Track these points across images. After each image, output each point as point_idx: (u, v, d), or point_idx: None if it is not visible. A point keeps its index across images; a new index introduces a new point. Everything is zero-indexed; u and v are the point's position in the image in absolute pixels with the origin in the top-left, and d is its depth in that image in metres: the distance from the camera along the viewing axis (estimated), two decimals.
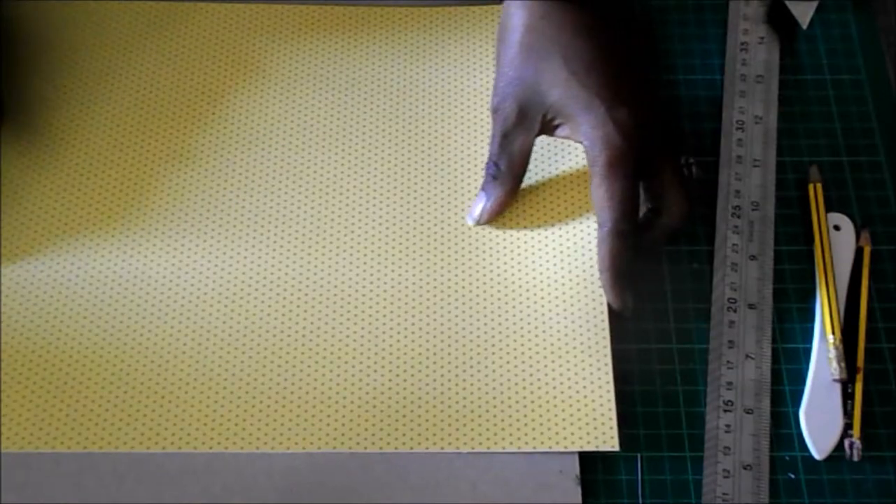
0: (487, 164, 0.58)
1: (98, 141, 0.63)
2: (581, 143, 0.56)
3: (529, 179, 0.61)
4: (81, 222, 0.60)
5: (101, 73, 0.66)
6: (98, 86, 0.65)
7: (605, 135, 0.54)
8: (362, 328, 0.57)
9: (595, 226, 0.59)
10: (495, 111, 0.57)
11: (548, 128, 0.57)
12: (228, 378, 0.55)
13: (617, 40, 0.56)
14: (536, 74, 0.55)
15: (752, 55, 0.67)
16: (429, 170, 0.62)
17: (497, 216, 0.59)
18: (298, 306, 0.57)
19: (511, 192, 0.59)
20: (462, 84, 0.66)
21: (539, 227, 0.60)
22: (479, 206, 0.59)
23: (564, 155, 0.63)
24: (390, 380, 0.55)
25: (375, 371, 0.56)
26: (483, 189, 0.59)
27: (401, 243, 0.60)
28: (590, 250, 0.59)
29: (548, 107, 0.56)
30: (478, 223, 0.60)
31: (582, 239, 0.60)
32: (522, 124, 0.56)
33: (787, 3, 0.69)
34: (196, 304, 0.58)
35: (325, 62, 0.67)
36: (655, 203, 0.57)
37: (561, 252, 0.59)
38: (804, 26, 0.69)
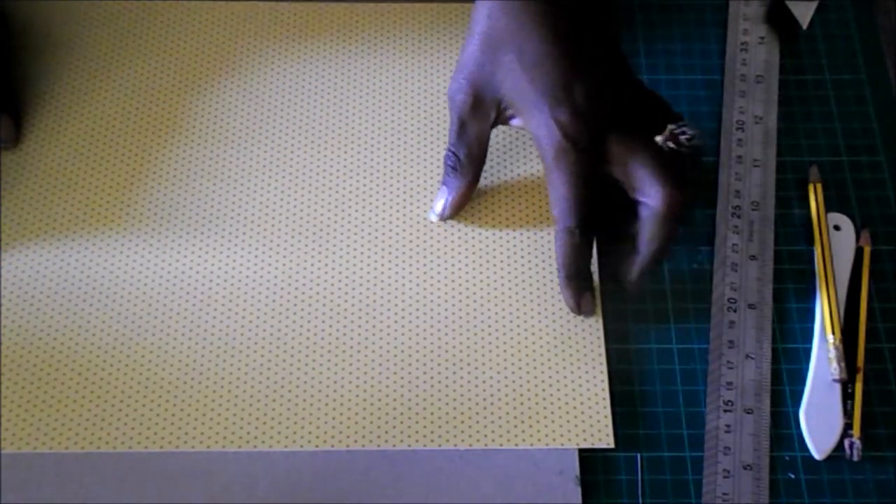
0: (446, 154, 0.58)
1: (91, 138, 0.63)
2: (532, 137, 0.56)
3: (526, 179, 0.61)
4: (79, 222, 0.60)
5: (95, 70, 0.65)
6: (91, 82, 0.65)
7: (548, 134, 0.54)
8: (362, 327, 0.57)
9: None
10: (451, 99, 0.57)
11: (502, 117, 0.57)
12: (228, 378, 0.55)
13: (579, 30, 0.55)
14: (492, 65, 0.55)
15: (752, 55, 0.67)
16: (429, 169, 0.62)
17: (460, 210, 0.59)
18: (298, 305, 0.58)
19: (471, 183, 0.59)
20: None
21: (535, 227, 0.60)
22: (441, 201, 0.59)
23: None
24: (389, 378, 0.55)
25: (374, 369, 0.56)
26: (444, 183, 0.59)
27: (399, 243, 0.60)
28: None
29: (500, 97, 0.56)
30: (442, 218, 0.59)
31: None
32: (477, 113, 0.57)
33: (787, 3, 0.69)
34: (196, 304, 0.58)
35: (319, 60, 0.67)
36: (635, 194, 0.55)
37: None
38: (804, 26, 0.69)
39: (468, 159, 0.58)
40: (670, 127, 0.54)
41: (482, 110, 0.57)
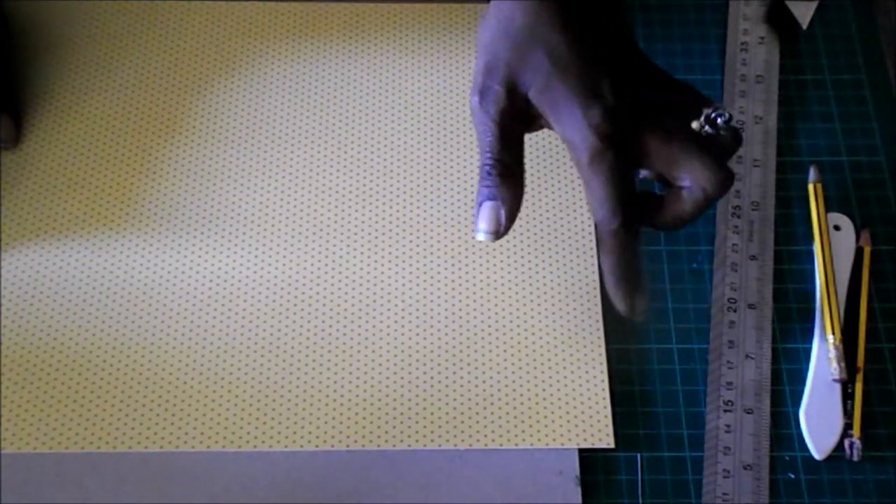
0: (489, 164, 0.52)
1: (91, 138, 0.63)
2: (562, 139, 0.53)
3: (526, 183, 0.61)
4: (79, 222, 0.60)
5: (95, 70, 0.65)
6: (91, 82, 0.65)
7: (583, 138, 0.51)
8: (362, 327, 0.57)
9: (589, 228, 0.60)
10: (484, 106, 0.52)
11: (535, 124, 0.54)
12: (228, 378, 0.55)
13: (598, 26, 0.53)
14: (519, 66, 0.52)
15: (752, 55, 0.67)
16: (429, 168, 0.62)
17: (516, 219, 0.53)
18: (298, 305, 0.58)
19: (523, 187, 0.52)
20: (459, 82, 0.66)
21: (534, 227, 0.60)
22: (492, 214, 0.52)
23: (557, 156, 0.63)
24: (389, 378, 0.55)
25: (374, 370, 0.56)
26: (489, 197, 0.52)
27: (399, 243, 0.60)
28: (584, 251, 0.59)
29: (530, 99, 0.53)
30: (499, 235, 0.52)
31: (577, 240, 0.60)
32: (515, 114, 0.53)
33: (787, 3, 0.69)
34: (196, 304, 0.58)
35: (319, 60, 0.67)
36: (676, 183, 0.53)
37: (557, 253, 0.59)
38: (804, 26, 0.69)
39: (517, 163, 0.53)
40: (706, 111, 0.53)
41: (518, 111, 0.53)
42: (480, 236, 0.52)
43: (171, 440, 0.53)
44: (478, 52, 0.54)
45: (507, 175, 0.52)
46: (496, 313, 0.58)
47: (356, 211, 0.61)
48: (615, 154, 0.51)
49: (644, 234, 0.61)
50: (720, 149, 0.53)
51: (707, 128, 0.52)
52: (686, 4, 0.70)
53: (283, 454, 0.53)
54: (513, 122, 0.52)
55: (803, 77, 0.67)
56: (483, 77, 0.53)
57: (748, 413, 0.55)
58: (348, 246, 0.60)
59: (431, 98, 0.65)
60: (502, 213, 0.52)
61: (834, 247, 0.60)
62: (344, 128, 0.64)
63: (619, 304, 0.53)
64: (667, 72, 0.55)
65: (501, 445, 0.54)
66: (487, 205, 0.52)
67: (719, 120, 0.52)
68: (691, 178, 0.52)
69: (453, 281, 0.59)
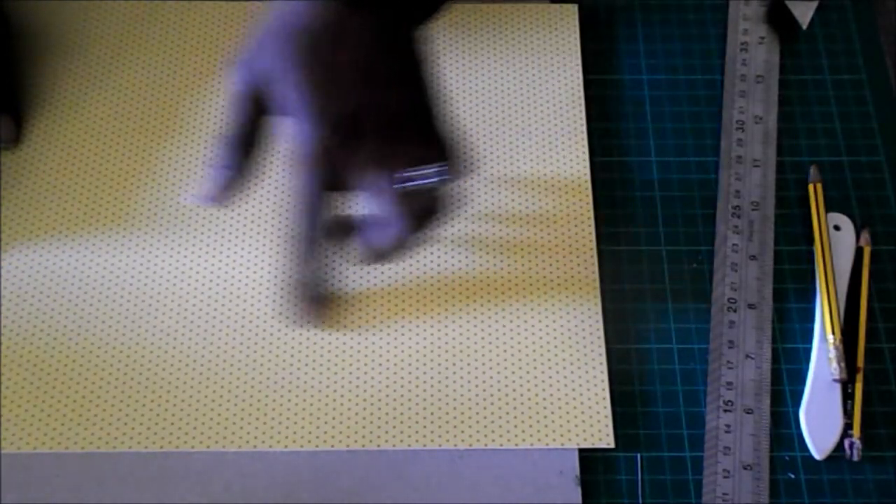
0: (223, 134, 0.53)
1: (91, 138, 0.63)
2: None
3: (525, 179, 0.61)
4: (79, 222, 0.60)
5: (95, 70, 0.65)
6: (91, 82, 0.65)
7: (303, 142, 0.51)
8: (362, 327, 0.57)
9: (590, 228, 0.60)
10: (239, 74, 0.53)
11: (272, 108, 0.53)
12: (228, 378, 0.55)
13: (382, 44, 0.52)
14: (273, 61, 0.51)
15: (752, 55, 0.67)
16: None
17: (231, 195, 0.54)
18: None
19: (253, 164, 0.53)
20: (459, 82, 0.66)
21: (534, 228, 0.60)
22: (217, 182, 0.53)
23: (557, 156, 0.63)
24: (389, 378, 0.55)
25: (374, 370, 0.56)
26: (220, 165, 0.53)
27: None
28: (584, 253, 0.59)
29: (273, 88, 0.52)
30: (211, 202, 0.53)
31: (577, 241, 0.60)
32: (253, 97, 0.53)
33: (787, 3, 0.69)
34: (196, 304, 0.58)
35: None
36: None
37: (557, 253, 0.59)
38: (804, 26, 0.69)
39: (251, 141, 0.53)
40: (410, 170, 0.51)
41: (258, 97, 0.52)
42: (192, 200, 0.55)
43: (171, 440, 0.53)
44: (255, 36, 0.52)
45: (239, 148, 0.53)
46: (496, 313, 0.58)
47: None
48: (324, 173, 0.51)
49: (644, 234, 0.61)
50: (422, 209, 0.52)
51: (403, 184, 0.51)
52: (686, 4, 0.70)
53: (283, 454, 0.53)
54: (250, 104, 0.53)
55: (803, 77, 0.67)
56: (242, 59, 0.52)
57: (748, 413, 0.55)
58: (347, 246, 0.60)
59: None
60: (226, 181, 0.53)
61: (834, 247, 0.60)
62: None
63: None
64: (436, 117, 0.53)
65: (501, 445, 0.54)
66: (215, 171, 0.53)
67: (414, 183, 0.51)
68: (377, 227, 0.52)
69: (453, 281, 0.59)
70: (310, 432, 0.54)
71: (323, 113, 0.51)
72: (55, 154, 0.62)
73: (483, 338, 0.57)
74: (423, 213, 0.52)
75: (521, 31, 0.67)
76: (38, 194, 0.61)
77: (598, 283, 0.58)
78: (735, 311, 0.58)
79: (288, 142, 0.52)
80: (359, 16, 0.51)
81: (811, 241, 0.60)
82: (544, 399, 0.55)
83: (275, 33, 0.52)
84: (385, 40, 0.52)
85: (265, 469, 0.53)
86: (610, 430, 0.54)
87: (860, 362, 0.56)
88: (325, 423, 0.54)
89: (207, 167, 0.54)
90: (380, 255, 0.53)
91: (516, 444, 0.53)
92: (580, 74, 0.66)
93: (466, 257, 0.59)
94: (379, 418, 0.54)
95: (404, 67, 0.52)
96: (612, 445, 0.54)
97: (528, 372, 0.56)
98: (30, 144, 0.63)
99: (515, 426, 0.54)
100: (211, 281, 0.58)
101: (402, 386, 0.55)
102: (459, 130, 0.61)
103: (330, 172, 0.52)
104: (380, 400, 0.55)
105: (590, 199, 0.61)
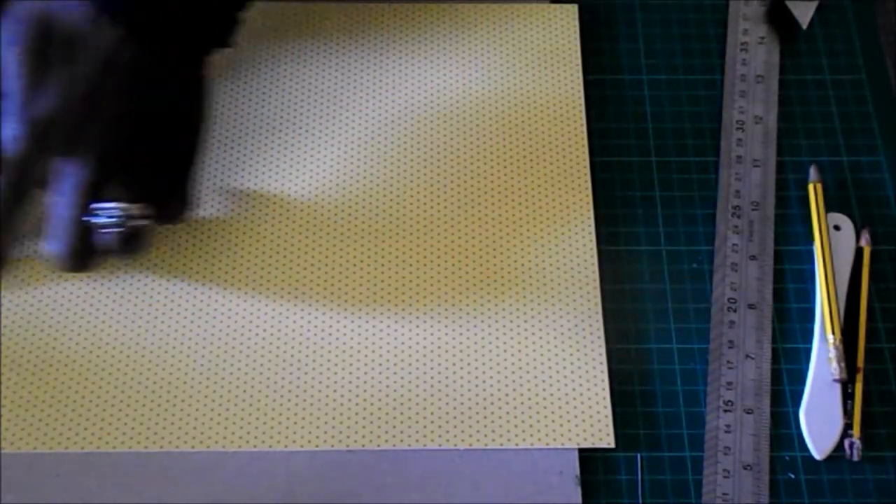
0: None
1: None
2: None
3: (524, 179, 0.61)
4: None
5: None
6: None
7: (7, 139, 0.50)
8: (362, 327, 0.57)
9: (590, 228, 0.60)
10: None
11: None
12: (228, 378, 0.55)
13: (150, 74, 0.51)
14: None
15: (752, 55, 0.67)
16: (429, 168, 0.62)
17: None
18: (298, 304, 0.58)
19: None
20: (459, 82, 0.66)
21: (534, 228, 0.60)
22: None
23: (557, 156, 0.63)
24: (389, 378, 0.55)
25: (374, 370, 0.56)
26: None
27: (400, 242, 0.60)
28: (584, 252, 0.59)
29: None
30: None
31: (577, 241, 0.60)
32: None
33: (787, 3, 0.69)
34: (195, 304, 0.58)
35: (320, 60, 0.66)
36: None
37: (557, 253, 0.59)
38: (804, 26, 0.69)
39: None
40: (100, 205, 0.52)
41: None
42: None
43: (171, 440, 0.53)
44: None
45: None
46: (496, 313, 0.57)
47: (355, 210, 0.61)
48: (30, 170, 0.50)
49: (644, 234, 0.61)
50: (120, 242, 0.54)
51: (91, 219, 0.52)
52: (686, 4, 0.70)
53: (283, 454, 0.53)
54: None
55: (803, 77, 0.67)
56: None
57: (748, 413, 0.55)
58: (347, 246, 0.60)
59: (431, 97, 0.65)
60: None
61: (834, 247, 0.60)
62: (343, 127, 0.64)
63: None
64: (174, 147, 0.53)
65: (501, 445, 0.53)
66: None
67: (99, 220, 0.52)
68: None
69: (453, 280, 0.59)
70: (310, 432, 0.54)
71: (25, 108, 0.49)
72: None
73: (483, 338, 0.57)
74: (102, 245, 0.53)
75: (521, 31, 0.68)
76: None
77: (598, 283, 0.58)
78: (735, 311, 0.58)
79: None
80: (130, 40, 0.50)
81: (811, 241, 0.60)
82: (544, 399, 0.55)
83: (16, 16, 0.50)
84: (148, 66, 0.51)
85: (265, 469, 0.53)
86: (610, 430, 0.54)
87: (860, 362, 0.56)
88: (325, 423, 0.54)
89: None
90: (64, 264, 0.53)
91: (516, 444, 0.53)
92: (580, 74, 0.66)
93: (467, 257, 0.59)
94: (379, 418, 0.54)
95: (167, 100, 0.52)
96: (613, 445, 0.54)
97: (528, 372, 0.56)
98: None
99: (515, 426, 0.54)
100: (211, 280, 0.58)
101: (402, 386, 0.55)
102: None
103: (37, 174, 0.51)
104: (380, 400, 0.55)
105: (590, 199, 0.61)
